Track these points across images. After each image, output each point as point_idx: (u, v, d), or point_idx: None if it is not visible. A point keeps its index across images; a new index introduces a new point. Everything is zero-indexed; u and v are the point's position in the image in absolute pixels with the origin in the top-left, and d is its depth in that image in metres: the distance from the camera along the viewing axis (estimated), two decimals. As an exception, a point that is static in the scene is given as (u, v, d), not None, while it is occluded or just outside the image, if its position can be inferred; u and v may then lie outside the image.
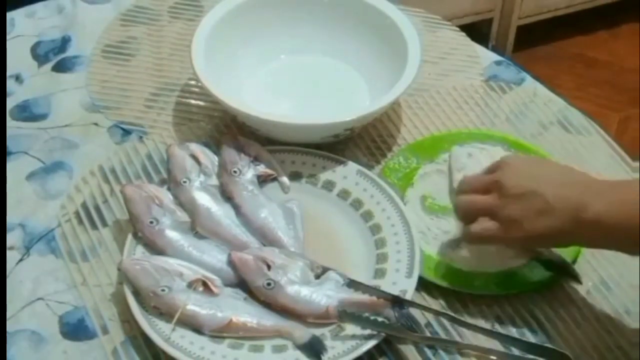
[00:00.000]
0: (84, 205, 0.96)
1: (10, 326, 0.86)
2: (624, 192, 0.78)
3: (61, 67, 1.13)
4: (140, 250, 0.88)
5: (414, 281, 0.86)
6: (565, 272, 0.90)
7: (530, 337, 0.86)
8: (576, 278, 0.90)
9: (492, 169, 0.85)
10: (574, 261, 0.92)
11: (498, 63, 1.16)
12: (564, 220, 0.78)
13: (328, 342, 0.82)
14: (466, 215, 0.85)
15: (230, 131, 1.03)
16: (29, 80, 1.11)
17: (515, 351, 0.84)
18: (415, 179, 0.98)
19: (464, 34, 1.20)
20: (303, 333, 0.83)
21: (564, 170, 0.85)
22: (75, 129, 1.05)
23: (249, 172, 0.94)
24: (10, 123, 1.06)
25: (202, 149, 0.96)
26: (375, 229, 0.92)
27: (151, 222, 0.89)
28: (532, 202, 0.79)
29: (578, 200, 0.77)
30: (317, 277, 0.87)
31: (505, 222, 0.81)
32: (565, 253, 0.91)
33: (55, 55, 1.14)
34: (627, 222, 0.75)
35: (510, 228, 0.81)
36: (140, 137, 1.04)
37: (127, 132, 1.04)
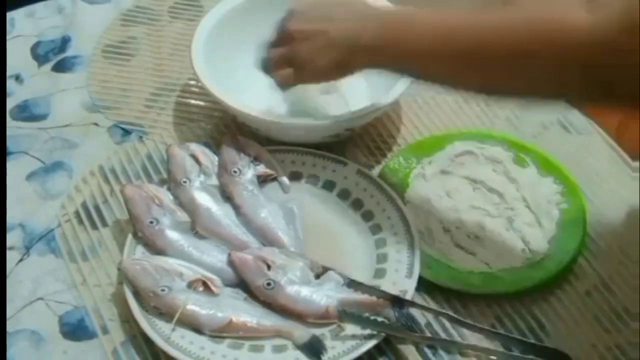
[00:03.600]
0: (84, 205, 0.96)
1: (10, 326, 0.86)
2: (393, 18, 0.85)
3: (61, 67, 1.13)
4: (140, 250, 0.88)
5: (414, 281, 0.86)
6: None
7: (530, 337, 0.86)
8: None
9: (284, 21, 0.91)
10: (574, 261, 0.92)
11: (498, 63, 1.15)
12: (344, 51, 0.85)
13: (328, 342, 0.82)
14: (269, 69, 0.92)
15: (230, 131, 1.03)
16: (29, 80, 1.11)
17: (516, 351, 0.84)
18: (411, 178, 0.98)
19: (464, 33, 1.20)
20: (303, 333, 0.83)
21: (349, 7, 0.89)
22: (75, 129, 1.05)
23: (249, 172, 0.94)
24: (10, 123, 1.06)
25: (202, 149, 0.96)
26: (375, 229, 0.92)
27: (151, 222, 0.89)
28: (317, 40, 0.87)
29: (355, 31, 0.85)
30: (317, 277, 0.87)
31: (297, 64, 0.89)
32: (564, 253, 0.91)
33: (55, 55, 1.14)
34: (393, 44, 0.83)
35: (302, 68, 0.89)
36: (140, 137, 1.04)
37: (127, 132, 1.04)
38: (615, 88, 0.71)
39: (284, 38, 0.90)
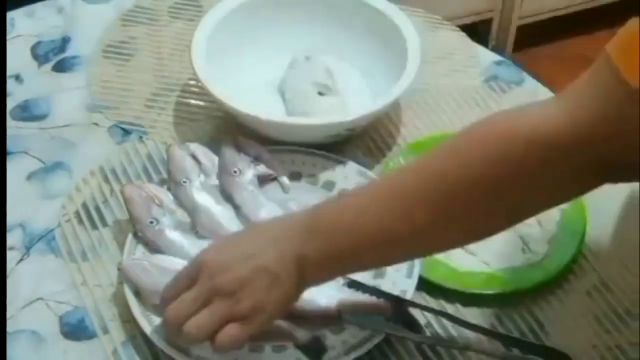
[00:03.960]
0: (84, 205, 0.96)
1: (10, 326, 0.86)
2: (320, 223, 0.74)
3: (61, 67, 1.13)
4: (140, 250, 0.88)
5: (414, 281, 0.86)
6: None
7: (530, 337, 0.86)
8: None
9: (191, 276, 0.75)
10: (574, 261, 0.92)
11: (498, 63, 1.16)
12: (292, 279, 0.73)
13: (328, 342, 0.82)
14: (200, 338, 0.74)
15: (230, 131, 1.03)
16: (29, 80, 1.11)
17: (516, 351, 0.84)
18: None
19: (464, 34, 1.20)
20: (303, 333, 0.83)
21: (258, 234, 0.77)
22: (75, 129, 1.05)
23: (249, 172, 0.94)
24: (10, 123, 1.06)
25: (202, 149, 0.96)
26: (375, 229, 0.92)
27: (151, 222, 0.89)
28: (257, 283, 0.73)
29: (293, 255, 0.73)
30: (317, 277, 0.87)
31: (245, 317, 0.73)
32: (564, 253, 0.91)
33: (55, 55, 1.14)
34: (342, 247, 0.73)
35: (254, 318, 0.73)
36: (140, 137, 1.04)
37: (127, 132, 1.04)
38: (618, 170, 0.68)
39: (206, 296, 0.73)
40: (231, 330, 0.73)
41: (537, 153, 0.68)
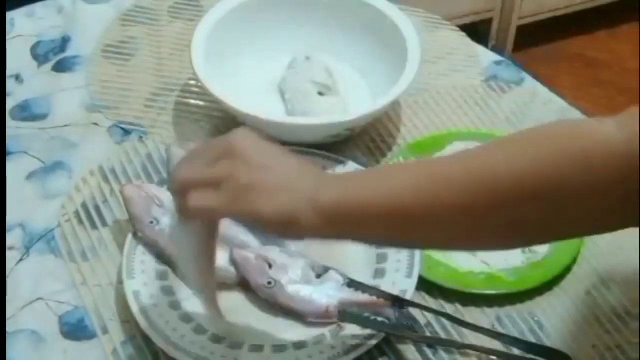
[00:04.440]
0: (84, 205, 0.96)
1: (10, 326, 0.86)
2: (352, 177, 0.72)
3: (61, 67, 1.13)
4: (140, 250, 0.88)
5: (414, 281, 0.86)
6: None
7: (530, 337, 0.86)
8: None
9: (218, 141, 0.71)
10: (574, 261, 0.92)
11: (498, 63, 1.16)
12: (300, 201, 0.66)
13: (328, 342, 0.82)
14: (184, 188, 0.68)
15: (230, 131, 1.03)
16: (29, 80, 1.11)
17: (516, 351, 0.84)
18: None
19: (464, 34, 1.20)
20: None
21: (301, 161, 0.71)
22: (75, 129, 1.05)
23: (249, 172, 0.94)
24: (10, 123, 1.06)
25: (202, 149, 0.96)
26: (375, 229, 0.92)
27: (151, 222, 0.89)
28: (274, 175, 0.67)
29: (316, 184, 0.67)
30: (318, 276, 0.87)
31: (235, 190, 0.66)
32: (564, 253, 0.91)
33: (55, 55, 1.14)
34: (346, 212, 0.67)
35: (240, 198, 0.66)
36: (140, 137, 1.04)
37: (127, 132, 1.04)
38: None
39: (218, 154, 0.69)
40: (210, 196, 0.67)
41: (588, 168, 0.64)
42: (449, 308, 0.88)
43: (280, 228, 0.68)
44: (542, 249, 0.92)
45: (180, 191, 0.69)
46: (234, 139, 0.69)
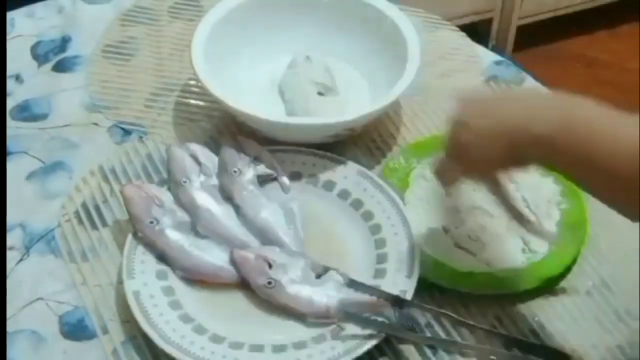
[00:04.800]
0: (84, 205, 0.96)
1: (10, 326, 0.86)
2: (575, 115, 0.72)
3: (61, 67, 1.13)
4: (140, 250, 0.88)
5: (414, 281, 0.86)
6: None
7: (530, 337, 0.86)
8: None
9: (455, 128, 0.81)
10: (574, 261, 0.92)
11: (498, 63, 1.16)
12: (514, 138, 0.74)
13: (328, 342, 0.82)
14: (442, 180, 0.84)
15: (230, 131, 1.03)
16: (29, 80, 1.11)
17: (516, 351, 0.84)
18: (411, 178, 0.98)
19: (464, 34, 1.21)
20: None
21: (515, 92, 0.85)
22: (75, 129, 1.05)
23: (249, 172, 0.94)
24: (10, 123, 1.06)
25: (202, 149, 0.96)
26: (375, 229, 0.92)
27: (151, 222, 0.89)
28: (485, 125, 0.76)
29: (527, 118, 0.73)
30: (318, 276, 0.87)
31: (465, 154, 0.78)
32: (564, 253, 0.91)
33: (55, 55, 1.14)
34: (565, 145, 0.71)
35: (470, 157, 0.78)
36: (140, 137, 1.04)
37: (127, 132, 1.04)
38: None
39: (453, 130, 0.80)
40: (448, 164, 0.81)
41: None
42: (449, 308, 0.88)
43: (506, 165, 0.78)
44: (542, 249, 0.92)
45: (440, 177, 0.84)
46: (456, 115, 0.79)
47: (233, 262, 0.87)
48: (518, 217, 0.87)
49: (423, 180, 0.98)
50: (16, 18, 1.19)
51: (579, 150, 0.71)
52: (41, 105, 1.08)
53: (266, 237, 0.91)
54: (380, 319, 0.84)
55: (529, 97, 0.78)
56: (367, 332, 0.82)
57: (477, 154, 0.77)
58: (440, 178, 0.84)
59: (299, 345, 0.83)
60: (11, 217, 0.95)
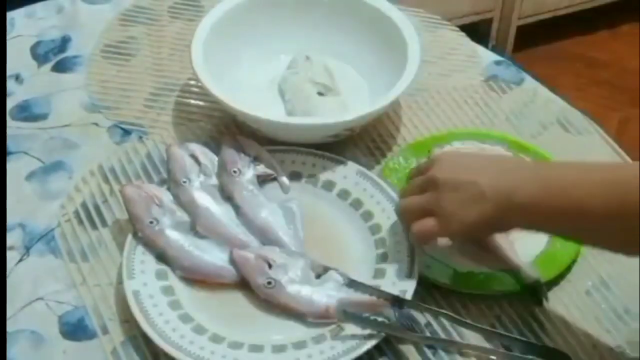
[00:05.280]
0: (84, 205, 0.96)
1: (10, 326, 0.86)
2: (552, 175, 0.78)
3: (61, 67, 1.13)
4: (140, 250, 0.88)
5: (414, 281, 0.86)
6: (533, 291, 0.89)
7: (530, 337, 0.86)
8: (540, 301, 0.88)
9: (426, 168, 0.85)
10: (574, 261, 0.92)
11: (498, 63, 1.16)
12: (496, 206, 0.78)
13: (328, 342, 0.82)
14: (407, 218, 0.85)
15: (230, 131, 1.03)
16: (29, 80, 1.11)
17: (516, 351, 0.84)
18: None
19: (464, 34, 1.20)
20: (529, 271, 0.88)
21: (497, 159, 0.87)
22: (75, 129, 1.05)
23: (249, 172, 0.94)
24: (10, 123, 1.06)
25: (202, 149, 0.96)
26: (375, 228, 0.92)
27: (151, 222, 0.89)
28: (466, 191, 0.80)
29: (509, 186, 0.78)
30: (318, 276, 0.87)
31: (442, 215, 0.81)
32: (564, 253, 0.91)
33: (55, 55, 1.14)
34: (551, 206, 0.76)
35: (447, 221, 0.81)
36: (140, 137, 1.04)
37: (127, 132, 1.04)
38: None
39: (426, 184, 0.83)
40: (427, 222, 0.82)
41: None
42: (449, 308, 0.88)
43: (485, 230, 0.85)
44: (542, 249, 0.92)
45: (404, 220, 0.87)
46: (433, 171, 0.83)
47: (233, 262, 0.87)
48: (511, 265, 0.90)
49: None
50: (16, 18, 1.19)
51: (561, 207, 0.76)
52: (41, 105, 1.08)
53: (266, 237, 0.91)
54: (380, 319, 0.84)
55: (506, 165, 0.83)
56: (367, 332, 0.82)
57: (465, 217, 0.80)
58: (410, 227, 0.84)
59: (299, 345, 0.82)
60: (11, 217, 0.95)
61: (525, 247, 0.91)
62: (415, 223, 0.83)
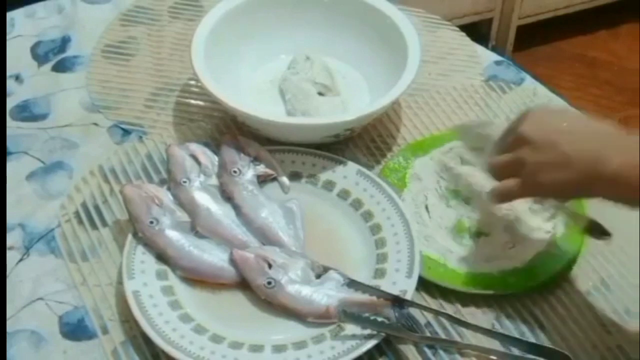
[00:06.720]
0: (84, 205, 0.96)
1: (10, 326, 0.86)
2: None
3: (61, 67, 1.13)
4: (140, 250, 0.88)
5: (414, 281, 0.86)
6: (596, 228, 0.88)
7: (530, 337, 0.86)
8: (607, 233, 0.87)
9: (517, 123, 0.82)
10: (574, 261, 0.92)
11: (498, 63, 1.16)
12: (581, 174, 0.76)
13: (328, 342, 0.82)
14: (497, 176, 0.84)
15: (230, 131, 1.03)
16: (29, 80, 1.11)
17: (515, 351, 0.84)
18: (407, 178, 0.98)
19: (464, 34, 1.21)
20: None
21: (587, 122, 0.81)
22: (75, 129, 1.05)
23: (249, 172, 0.94)
24: (10, 123, 1.06)
25: (202, 149, 0.96)
26: (375, 228, 0.92)
27: (151, 222, 0.89)
28: (550, 153, 0.77)
29: (597, 154, 0.75)
30: (318, 276, 0.87)
31: (525, 175, 0.79)
32: (564, 253, 0.91)
33: (55, 55, 1.14)
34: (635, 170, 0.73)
35: (530, 183, 0.79)
36: (140, 137, 1.04)
37: (127, 132, 1.04)
38: None
39: (516, 141, 0.81)
40: (509, 183, 0.81)
41: None
42: (449, 308, 0.88)
43: (570, 194, 0.81)
44: (542, 249, 0.92)
45: (494, 176, 0.84)
46: (523, 127, 0.80)
47: (233, 262, 0.87)
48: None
49: (418, 181, 0.98)
50: (16, 18, 1.19)
51: None
52: (41, 105, 1.08)
53: (266, 237, 0.91)
54: (380, 319, 0.84)
55: (596, 130, 0.79)
56: (367, 332, 0.83)
57: (546, 181, 0.78)
58: (498, 196, 0.83)
59: (299, 345, 0.83)
60: (11, 217, 0.95)
61: (525, 247, 0.92)
62: (497, 184, 0.82)
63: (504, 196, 0.83)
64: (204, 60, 1.00)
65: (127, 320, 0.86)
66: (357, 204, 0.94)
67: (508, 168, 0.81)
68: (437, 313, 0.86)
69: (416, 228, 0.91)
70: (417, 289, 0.86)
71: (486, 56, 1.17)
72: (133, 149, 1.02)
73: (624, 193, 0.75)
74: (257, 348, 0.82)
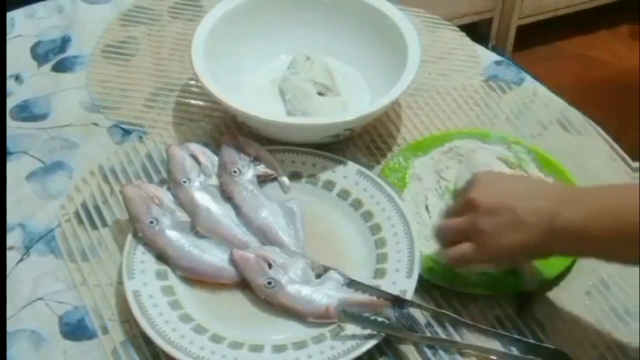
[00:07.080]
0: (84, 205, 0.96)
1: (10, 326, 0.86)
2: (596, 199, 0.77)
3: (61, 67, 1.13)
4: (140, 250, 0.88)
5: (414, 281, 0.86)
6: (525, 300, 0.89)
7: (530, 337, 0.86)
8: (522, 310, 0.88)
9: (466, 189, 0.84)
10: (574, 261, 0.92)
11: (498, 63, 1.16)
12: (536, 233, 0.77)
13: (328, 342, 0.82)
14: (444, 241, 0.84)
15: (230, 131, 1.03)
16: (29, 80, 1.11)
17: (515, 351, 0.84)
18: (407, 178, 0.98)
19: (464, 34, 1.21)
20: None
21: (536, 183, 0.85)
22: (75, 129, 1.05)
23: (249, 172, 0.94)
24: (10, 123, 1.06)
25: (202, 149, 0.96)
26: (375, 228, 0.92)
27: (151, 222, 0.89)
28: (504, 216, 0.78)
29: (549, 211, 0.76)
30: (318, 276, 0.87)
31: (479, 240, 0.80)
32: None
33: (55, 55, 1.14)
34: (599, 230, 0.75)
35: (484, 246, 0.80)
36: (140, 137, 1.04)
37: (127, 132, 1.04)
38: None
39: (465, 207, 0.81)
40: (463, 247, 0.81)
41: None
42: (449, 308, 0.88)
43: (522, 256, 0.82)
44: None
45: (440, 242, 0.85)
46: (472, 193, 0.81)
47: (233, 262, 0.87)
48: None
49: (418, 181, 0.98)
50: (16, 18, 1.19)
51: (610, 230, 0.74)
52: (41, 105, 1.08)
53: (266, 237, 0.91)
54: (380, 318, 0.84)
55: (546, 189, 0.82)
56: (367, 332, 0.82)
57: (506, 243, 0.78)
58: (447, 252, 0.83)
59: (299, 345, 0.83)
60: (11, 217, 0.95)
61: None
62: (451, 248, 0.82)
63: (460, 262, 0.83)
64: (204, 60, 1.00)
65: (127, 320, 0.86)
66: (357, 204, 0.94)
67: (458, 233, 0.82)
68: (437, 313, 0.86)
69: (416, 228, 0.91)
70: (417, 289, 0.86)
71: (486, 56, 1.17)
72: (133, 149, 1.02)
73: (580, 244, 0.77)
74: (257, 348, 0.82)
